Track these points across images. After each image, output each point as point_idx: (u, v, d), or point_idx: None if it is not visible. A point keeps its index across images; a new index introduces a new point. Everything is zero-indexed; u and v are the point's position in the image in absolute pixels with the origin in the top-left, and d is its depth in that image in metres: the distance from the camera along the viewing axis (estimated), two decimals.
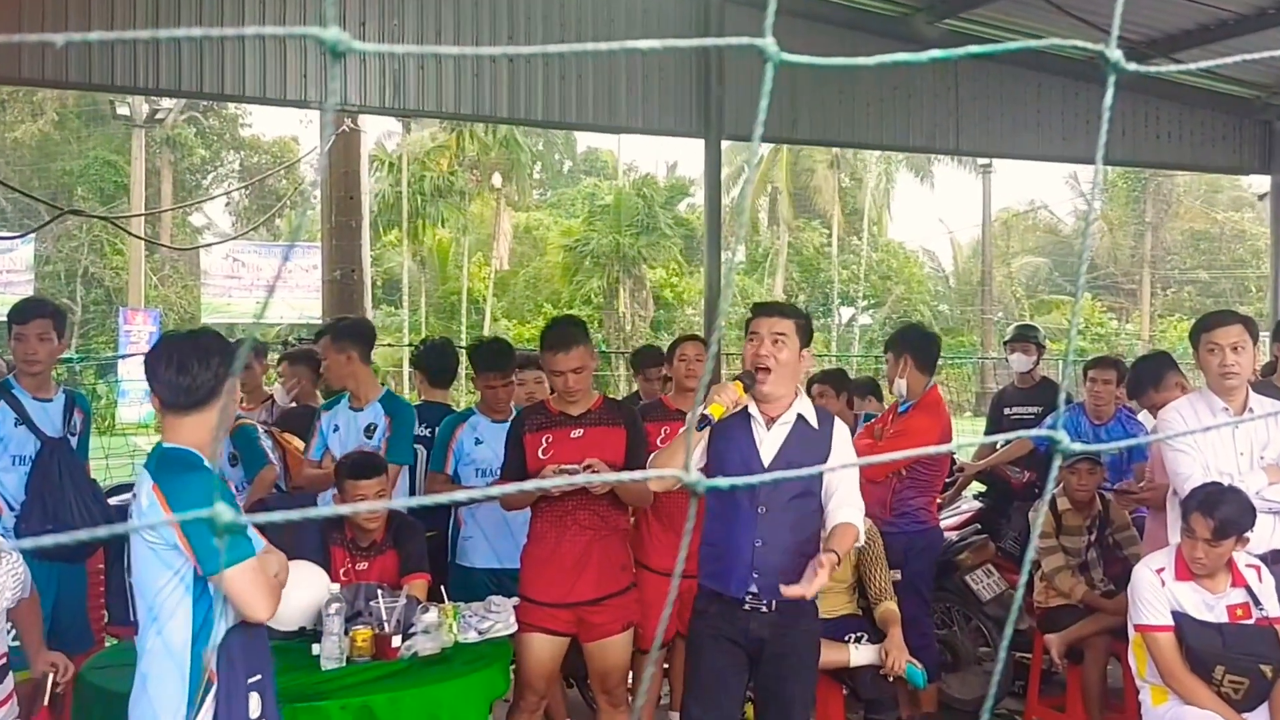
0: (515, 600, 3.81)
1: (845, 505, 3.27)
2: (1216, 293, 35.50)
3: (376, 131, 27.86)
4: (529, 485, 0.98)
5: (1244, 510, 3.45)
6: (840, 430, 3.41)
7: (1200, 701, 3.46)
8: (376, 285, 25.23)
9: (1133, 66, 0.95)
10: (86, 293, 30.06)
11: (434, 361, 5.23)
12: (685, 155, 50.47)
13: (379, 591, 3.56)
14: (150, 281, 29.16)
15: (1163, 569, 3.59)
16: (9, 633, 3.28)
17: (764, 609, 3.25)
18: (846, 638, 4.10)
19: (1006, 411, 6.29)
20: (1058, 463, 1.01)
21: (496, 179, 30.26)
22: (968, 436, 13.54)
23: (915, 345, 4.89)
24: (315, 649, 3.36)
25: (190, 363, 2.50)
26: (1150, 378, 4.99)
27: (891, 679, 4.07)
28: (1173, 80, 9.83)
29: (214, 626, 2.49)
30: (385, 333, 25.54)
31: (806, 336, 3.37)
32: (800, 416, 3.33)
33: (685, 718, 3.42)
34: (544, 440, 3.80)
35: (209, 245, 27.72)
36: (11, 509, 4.14)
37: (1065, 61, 9.54)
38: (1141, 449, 5.11)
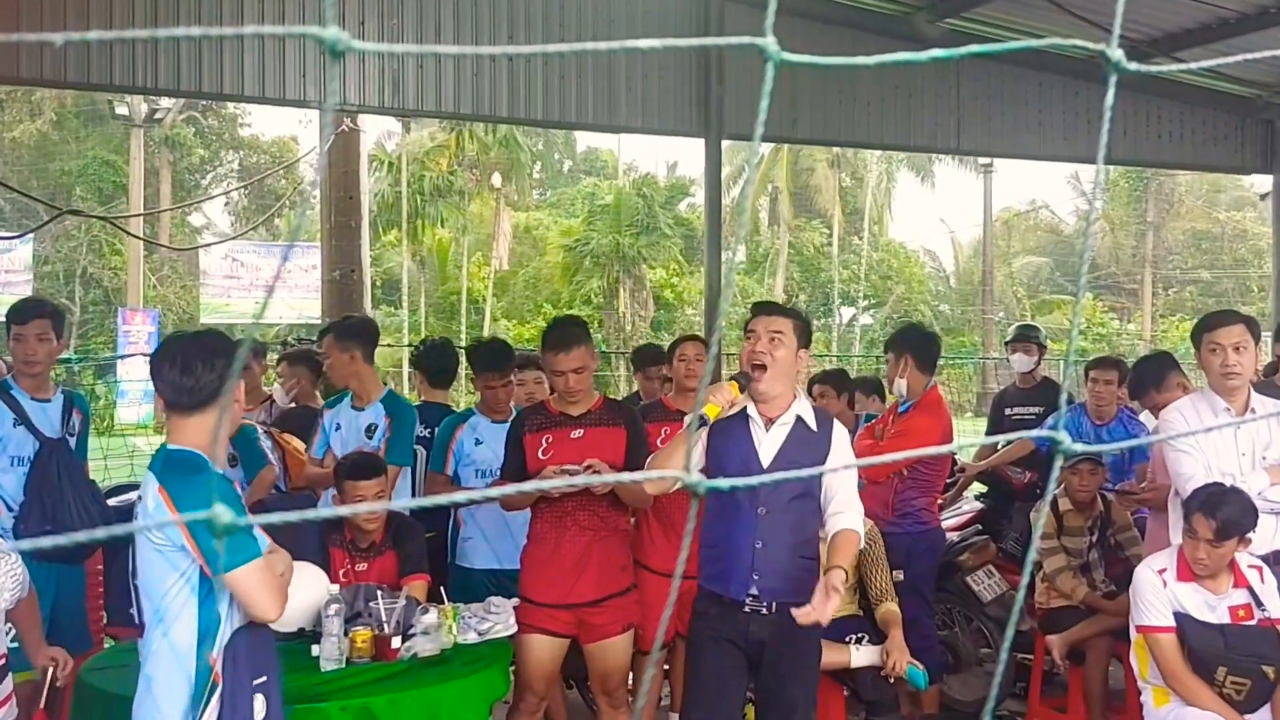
0: (515, 601, 3.80)
1: (845, 511, 3.26)
2: (1218, 292, 35.49)
3: (376, 131, 27.92)
4: (529, 486, 0.98)
5: (1246, 511, 3.45)
6: (839, 432, 3.41)
7: (1202, 703, 3.45)
8: (376, 285, 25.23)
9: (1134, 66, 0.94)
10: (85, 293, 30.06)
11: (434, 362, 5.22)
12: (685, 155, 50.45)
13: (378, 592, 3.55)
14: (149, 282, 29.16)
15: (1164, 570, 3.58)
16: (8, 634, 3.27)
17: (764, 611, 3.24)
18: (847, 639, 4.09)
19: (1008, 412, 6.28)
20: (1059, 463, 1.00)
21: (496, 179, 30.26)
22: (969, 437, 13.54)
23: (915, 345, 4.89)
24: (314, 650, 3.36)
25: (194, 363, 2.51)
26: (1152, 378, 4.99)
27: (893, 680, 4.06)
28: (1174, 79, 9.83)
29: (220, 628, 2.49)
30: (385, 333, 25.49)
31: (805, 337, 3.36)
32: (799, 418, 3.32)
33: None
34: (544, 441, 3.80)
35: (208, 245, 27.71)
36: (10, 510, 4.13)
37: (1067, 61, 9.53)
38: (1143, 449, 5.10)
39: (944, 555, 5.10)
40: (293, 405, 5.80)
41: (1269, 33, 8.32)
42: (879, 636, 4.12)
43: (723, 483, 0.86)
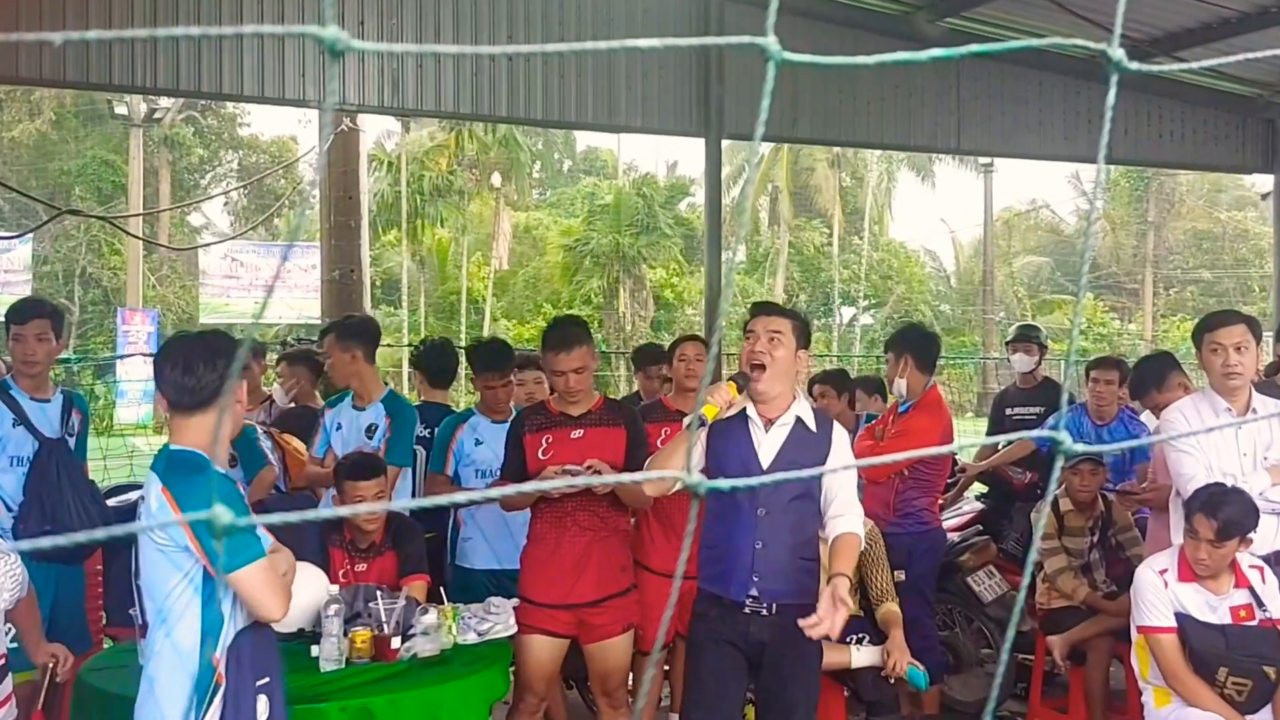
0: (515, 601, 3.80)
1: (845, 513, 3.26)
2: (1219, 292, 35.47)
3: (375, 131, 27.90)
4: (529, 486, 0.98)
5: (1247, 511, 3.44)
6: (839, 434, 3.40)
7: (1203, 703, 3.45)
8: (375, 285, 25.23)
9: (1135, 65, 0.94)
10: (84, 293, 30.05)
11: (433, 362, 5.22)
12: (685, 155, 50.43)
13: (378, 593, 3.55)
14: (148, 281, 29.16)
15: (1165, 570, 3.58)
16: (8, 634, 3.27)
17: (764, 612, 3.23)
18: (848, 639, 4.08)
19: (1008, 412, 6.28)
20: (1060, 463, 1.00)
21: (496, 178, 30.26)
22: (969, 437, 13.54)
23: (915, 345, 4.88)
24: (314, 650, 3.35)
25: (196, 364, 2.51)
26: (1153, 378, 4.98)
27: (893, 680, 4.06)
28: (1175, 79, 9.82)
29: (223, 628, 2.49)
30: (385, 333, 25.41)
31: (804, 338, 3.36)
32: (799, 419, 3.32)
33: None
34: (544, 441, 3.79)
35: (207, 245, 27.69)
36: (9, 510, 4.12)
37: (1067, 60, 9.53)
38: (1144, 450, 5.09)
39: (945, 555, 5.09)
40: (292, 405, 5.80)
41: (1270, 32, 8.31)
42: (879, 637, 4.11)
43: (723, 483, 0.86)
